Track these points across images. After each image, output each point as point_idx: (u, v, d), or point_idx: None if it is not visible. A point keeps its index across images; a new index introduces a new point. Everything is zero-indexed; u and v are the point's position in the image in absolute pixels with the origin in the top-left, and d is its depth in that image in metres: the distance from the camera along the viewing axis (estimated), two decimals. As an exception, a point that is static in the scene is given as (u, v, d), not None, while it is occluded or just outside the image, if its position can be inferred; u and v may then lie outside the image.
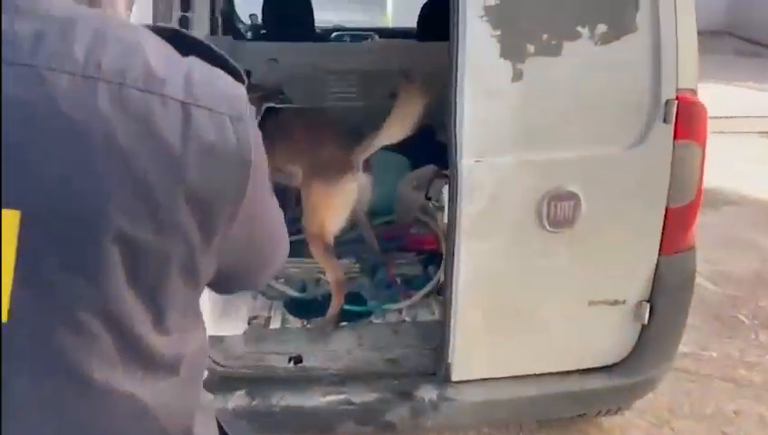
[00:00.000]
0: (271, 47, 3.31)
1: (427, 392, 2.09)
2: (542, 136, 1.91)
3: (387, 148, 2.96)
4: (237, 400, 2.05)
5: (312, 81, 3.21)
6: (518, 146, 1.91)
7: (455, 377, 2.10)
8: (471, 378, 2.12)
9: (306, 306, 2.45)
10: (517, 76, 1.85)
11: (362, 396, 2.08)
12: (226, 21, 3.63)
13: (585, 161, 1.95)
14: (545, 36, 1.84)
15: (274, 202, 0.85)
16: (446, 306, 2.04)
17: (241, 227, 0.73)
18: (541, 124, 1.90)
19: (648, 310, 2.08)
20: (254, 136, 0.72)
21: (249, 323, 2.35)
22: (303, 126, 2.47)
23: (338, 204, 2.27)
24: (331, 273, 2.31)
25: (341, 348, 2.22)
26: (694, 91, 1.97)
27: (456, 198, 1.91)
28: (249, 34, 4.29)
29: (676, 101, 1.91)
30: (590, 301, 2.07)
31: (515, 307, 2.05)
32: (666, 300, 2.10)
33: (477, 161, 1.90)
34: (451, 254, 1.97)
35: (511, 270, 2.01)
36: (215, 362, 2.13)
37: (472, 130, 1.87)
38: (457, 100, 1.85)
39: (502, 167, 1.92)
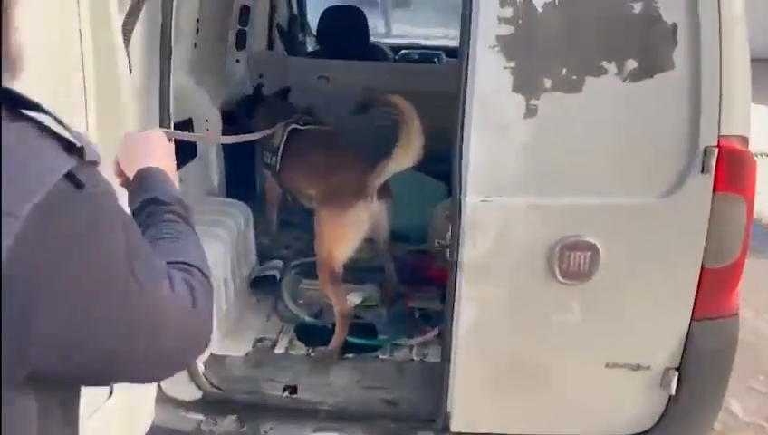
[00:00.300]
0: (322, 64, 3.27)
1: (422, 441, 1.97)
2: (557, 179, 1.75)
3: (426, 172, 2.86)
4: (227, 424, 2.02)
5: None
6: (530, 187, 1.75)
7: (453, 427, 1.96)
8: (471, 431, 1.97)
9: (315, 333, 2.37)
10: (531, 112, 1.70)
11: (354, 436, 1.99)
12: (284, 35, 3.64)
13: (606, 210, 1.77)
14: (564, 70, 1.68)
15: (149, 295, 0.71)
16: (444, 352, 1.91)
17: (47, 329, 0.62)
18: (556, 166, 1.74)
19: (675, 379, 1.86)
20: (43, 232, 0.59)
21: (254, 346, 2.31)
22: (322, 150, 2.40)
23: (346, 232, 2.17)
24: (336, 303, 2.22)
25: (338, 383, 2.13)
26: (743, 139, 1.73)
27: (458, 239, 1.78)
28: (318, 48, 4.31)
29: (717, 149, 1.69)
30: (607, 363, 1.87)
31: (520, 361, 1.89)
32: (698, 370, 1.87)
33: (483, 201, 1.76)
34: (452, 297, 1.84)
35: (516, 320, 1.86)
36: (211, 383, 2.10)
37: (478, 167, 1.74)
38: (464, 133, 1.72)
39: (510, 208, 1.77)
